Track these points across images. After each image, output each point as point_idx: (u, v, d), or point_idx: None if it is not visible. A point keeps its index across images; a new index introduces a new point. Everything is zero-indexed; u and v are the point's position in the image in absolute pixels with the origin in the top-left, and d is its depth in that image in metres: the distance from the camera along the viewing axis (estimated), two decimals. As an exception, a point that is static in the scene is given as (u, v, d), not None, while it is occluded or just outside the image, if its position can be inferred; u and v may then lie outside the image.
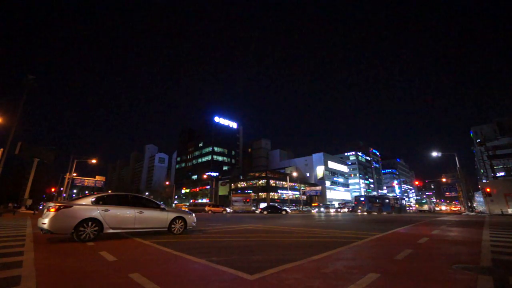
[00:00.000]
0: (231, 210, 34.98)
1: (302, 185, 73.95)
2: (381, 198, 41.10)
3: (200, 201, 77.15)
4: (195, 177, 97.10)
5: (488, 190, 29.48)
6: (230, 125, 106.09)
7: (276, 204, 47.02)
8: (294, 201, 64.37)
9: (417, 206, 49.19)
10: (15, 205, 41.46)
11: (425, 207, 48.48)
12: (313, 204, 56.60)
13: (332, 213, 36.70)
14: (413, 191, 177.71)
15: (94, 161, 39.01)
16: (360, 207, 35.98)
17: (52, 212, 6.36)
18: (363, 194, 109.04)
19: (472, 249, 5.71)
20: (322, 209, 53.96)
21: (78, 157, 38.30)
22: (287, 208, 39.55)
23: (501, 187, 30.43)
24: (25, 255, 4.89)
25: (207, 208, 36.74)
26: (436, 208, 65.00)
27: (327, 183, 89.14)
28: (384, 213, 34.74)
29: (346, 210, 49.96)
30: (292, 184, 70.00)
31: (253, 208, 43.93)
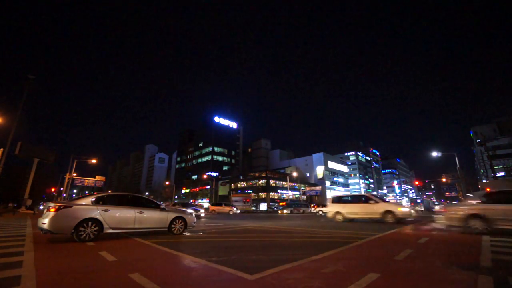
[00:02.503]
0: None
1: (302, 185, 73.95)
2: (428, 201, 51.63)
3: (200, 201, 77.19)
4: (195, 177, 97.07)
5: (488, 190, 29.47)
6: (230, 125, 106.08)
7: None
8: (294, 201, 64.37)
9: None
10: (15, 205, 41.41)
11: (437, 207, 57.75)
12: (280, 204, 54.85)
13: None
14: (413, 191, 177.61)
15: (94, 161, 38.96)
16: (417, 207, 41.89)
17: (52, 212, 6.36)
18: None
19: (472, 249, 5.70)
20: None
21: (78, 157, 38.25)
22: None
23: (501, 187, 30.43)
24: (25, 255, 4.89)
25: (316, 209, 35.03)
26: None
27: (327, 183, 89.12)
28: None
29: None
30: (292, 184, 69.99)
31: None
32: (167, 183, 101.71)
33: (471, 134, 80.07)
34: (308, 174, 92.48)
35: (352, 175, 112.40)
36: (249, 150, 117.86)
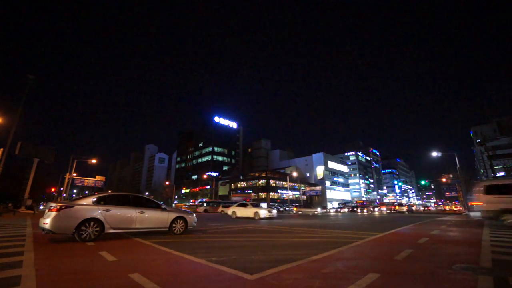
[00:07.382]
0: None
1: (302, 185, 73.91)
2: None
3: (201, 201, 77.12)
4: (195, 177, 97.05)
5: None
6: (230, 125, 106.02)
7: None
8: (294, 201, 64.37)
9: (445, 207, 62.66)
10: (13, 205, 41.32)
11: (447, 207, 66.49)
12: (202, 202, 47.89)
13: (332, 213, 36.85)
14: (413, 191, 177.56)
15: (94, 161, 38.92)
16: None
17: (53, 212, 6.37)
18: (363, 194, 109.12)
19: (472, 249, 5.71)
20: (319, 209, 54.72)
21: (78, 157, 38.21)
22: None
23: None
24: (25, 255, 4.89)
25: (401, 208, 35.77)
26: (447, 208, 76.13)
27: (327, 183, 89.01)
28: None
29: (346, 210, 50.11)
30: (292, 184, 69.94)
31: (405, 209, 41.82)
32: (167, 183, 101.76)
33: (471, 134, 79.91)
34: (308, 174, 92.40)
35: (352, 175, 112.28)
36: (249, 150, 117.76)
